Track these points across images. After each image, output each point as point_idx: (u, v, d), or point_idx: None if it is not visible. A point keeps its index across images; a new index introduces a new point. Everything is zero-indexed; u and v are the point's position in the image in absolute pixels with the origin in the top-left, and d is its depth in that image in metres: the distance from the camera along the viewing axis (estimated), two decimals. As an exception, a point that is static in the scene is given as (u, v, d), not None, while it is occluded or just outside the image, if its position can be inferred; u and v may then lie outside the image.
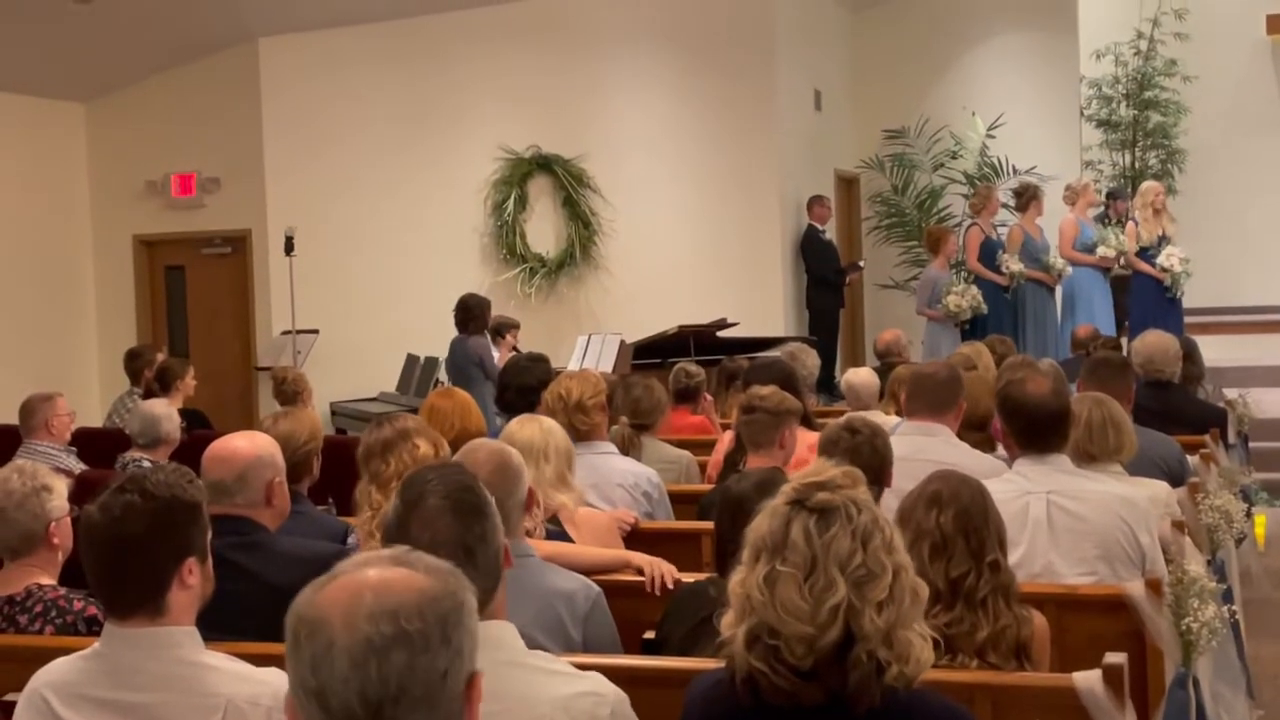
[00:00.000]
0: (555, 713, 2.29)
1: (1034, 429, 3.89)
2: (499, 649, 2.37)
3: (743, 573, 2.26)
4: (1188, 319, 11.41)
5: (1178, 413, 6.37)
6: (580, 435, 4.96)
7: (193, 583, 2.55)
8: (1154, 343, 6.72)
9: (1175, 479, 5.08)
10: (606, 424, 5.18)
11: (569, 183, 12.84)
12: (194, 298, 13.56)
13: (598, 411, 5.09)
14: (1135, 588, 3.59)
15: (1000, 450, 5.31)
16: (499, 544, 2.49)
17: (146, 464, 6.22)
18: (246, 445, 3.67)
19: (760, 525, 2.26)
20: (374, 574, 1.60)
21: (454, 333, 9.89)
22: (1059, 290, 11.94)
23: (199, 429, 8.13)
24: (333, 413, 12.08)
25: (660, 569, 3.85)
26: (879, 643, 2.16)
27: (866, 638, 2.15)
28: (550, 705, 2.29)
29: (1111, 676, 2.85)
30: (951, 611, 3.02)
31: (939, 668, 2.38)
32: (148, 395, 8.28)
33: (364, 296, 12.90)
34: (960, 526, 3.07)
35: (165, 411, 6.83)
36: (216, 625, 2.80)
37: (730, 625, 2.25)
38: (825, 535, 2.19)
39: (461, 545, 2.41)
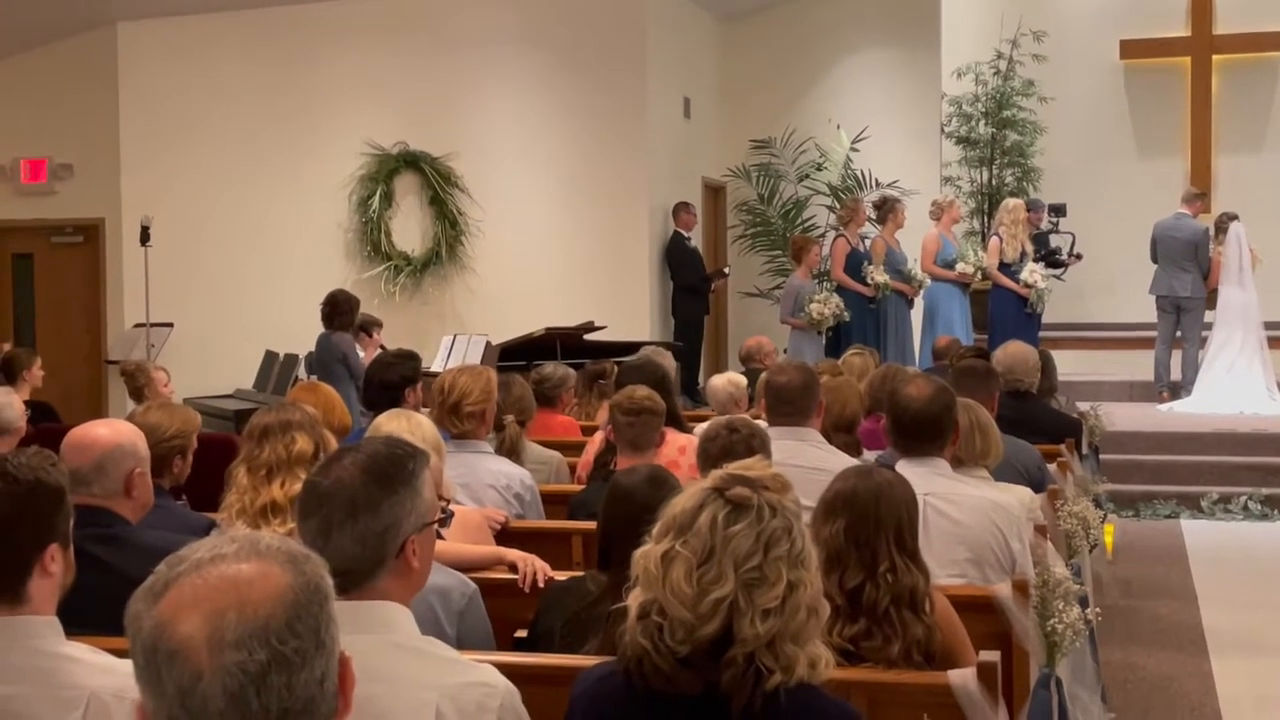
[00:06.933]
0: (442, 700, 2.17)
1: (912, 431, 3.93)
2: (391, 630, 2.29)
3: (650, 544, 2.22)
4: (1040, 334, 11.70)
5: (1035, 422, 6.50)
6: (459, 434, 4.91)
7: (54, 570, 2.44)
8: (1014, 353, 6.87)
9: (1035, 485, 5.18)
10: (486, 427, 5.10)
11: (437, 181, 12.70)
12: (42, 288, 13.14)
13: (471, 420, 5.00)
14: (1003, 589, 3.65)
15: (866, 454, 5.38)
16: (395, 522, 2.32)
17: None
18: (107, 433, 3.53)
19: (679, 501, 2.23)
20: (226, 574, 1.42)
21: (314, 329, 9.70)
22: (918, 302, 12.19)
23: (46, 422, 7.84)
24: (186, 409, 11.75)
25: (535, 565, 3.81)
26: (759, 649, 2.12)
27: (745, 641, 2.12)
28: (437, 691, 2.19)
29: (986, 674, 2.88)
30: (856, 624, 3.00)
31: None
32: (-8, 385, 7.96)
33: (222, 290, 12.60)
34: (851, 538, 3.05)
35: (5, 400, 6.55)
36: (72, 619, 2.68)
37: (634, 597, 2.22)
38: (730, 529, 2.15)
39: (349, 501, 2.30)
